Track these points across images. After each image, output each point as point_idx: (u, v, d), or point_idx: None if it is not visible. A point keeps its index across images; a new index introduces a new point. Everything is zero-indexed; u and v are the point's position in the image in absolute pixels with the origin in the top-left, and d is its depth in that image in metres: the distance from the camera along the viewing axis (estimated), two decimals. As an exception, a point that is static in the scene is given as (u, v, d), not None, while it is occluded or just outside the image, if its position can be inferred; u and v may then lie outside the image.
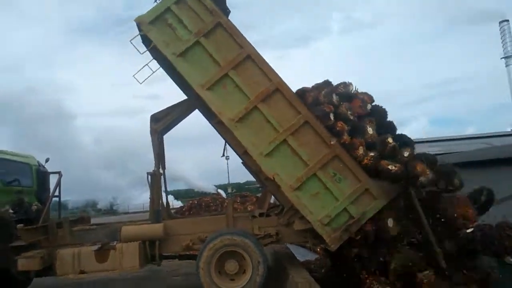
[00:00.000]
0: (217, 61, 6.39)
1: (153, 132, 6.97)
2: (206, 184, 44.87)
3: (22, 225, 6.51)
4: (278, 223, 6.97)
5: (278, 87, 6.40)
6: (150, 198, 7.00)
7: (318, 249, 9.40)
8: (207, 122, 7.52)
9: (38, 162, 8.29)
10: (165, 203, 7.55)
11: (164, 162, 7.65)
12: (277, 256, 8.05)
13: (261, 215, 7.19)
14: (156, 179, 6.98)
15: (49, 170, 8.19)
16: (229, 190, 42.30)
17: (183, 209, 20.49)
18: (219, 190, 40.75)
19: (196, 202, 20.62)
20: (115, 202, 45.92)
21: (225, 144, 7.99)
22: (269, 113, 6.38)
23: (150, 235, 6.67)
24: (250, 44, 6.50)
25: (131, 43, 6.50)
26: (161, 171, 7.27)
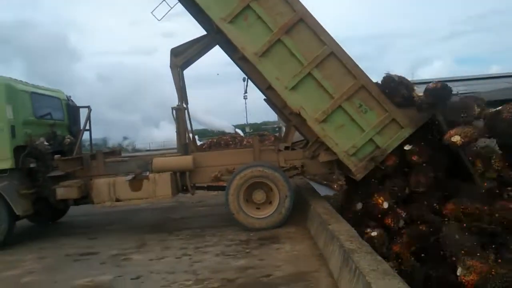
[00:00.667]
0: None
1: (173, 66, 6.95)
2: (224, 123, 45.24)
3: (59, 155, 6.81)
4: (303, 155, 7.11)
5: (302, 17, 6.18)
6: (176, 131, 7.17)
7: (336, 186, 9.68)
8: (227, 59, 7.43)
9: (67, 96, 8.46)
10: (191, 137, 7.73)
11: (187, 97, 7.70)
12: (299, 189, 8.30)
13: (286, 148, 7.33)
14: (180, 114, 7.09)
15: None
16: (247, 130, 42.77)
17: (203, 147, 20.93)
18: (237, 130, 41.23)
19: (215, 141, 20.91)
20: (127, 141, 46.99)
21: (247, 82, 7.97)
22: (293, 45, 6.23)
23: (180, 166, 6.92)
24: (271, -28, 6.18)
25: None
26: (184, 105, 7.34)
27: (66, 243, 6.74)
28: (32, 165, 6.73)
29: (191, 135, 7.76)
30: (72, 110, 8.31)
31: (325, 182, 10.63)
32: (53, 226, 8.37)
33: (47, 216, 8.25)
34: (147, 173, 6.84)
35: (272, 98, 7.04)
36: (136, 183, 6.74)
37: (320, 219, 5.62)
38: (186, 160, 6.90)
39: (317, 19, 6.23)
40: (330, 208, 6.16)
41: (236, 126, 46.33)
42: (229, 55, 7.33)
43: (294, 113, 6.48)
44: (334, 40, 6.27)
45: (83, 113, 8.28)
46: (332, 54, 6.25)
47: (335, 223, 5.23)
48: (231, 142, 19.77)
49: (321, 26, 6.24)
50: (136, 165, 7.18)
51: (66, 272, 5.24)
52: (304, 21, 6.19)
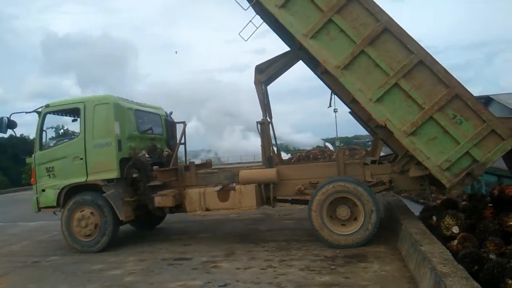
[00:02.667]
0: (319, 7, 6.18)
1: (257, 82, 7.20)
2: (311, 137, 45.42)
3: (157, 166, 7.48)
4: (392, 170, 6.79)
5: (387, 27, 6.00)
6: (261, 145, 7.37)
7: (433, 205, 8.91)
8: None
9: (166, 112, 9.30)
10: (275, 151, 7.88)
11: (271, 112, 7.89)
12: (390, 207, 7.90)
13: (373, 162, 7.07)
14: (265, 128, 7.29)
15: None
16: (337, 144, 42.06)
17: (292, 160, 21.02)
18: (327, 144, 40.77)
19: (304, 155, 20.86)
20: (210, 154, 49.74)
21: (331, 95, 7.90)
22: (377, 56, 6.06)
23: (265, 178, 7.09)
24: (354, -17, 6.14)
25: (236, 1, 6.68)
26: (268, 119, 7.53)
27: (162, 248, 7.31)
28: (135, 175, 7.50)
29: (275, 148, 7.93)
30: (170, 125, 9.09)
31: (421, 201, 9.97)
32: (152, 231, 9.13)
33: (147, 222, 9.04)
34: (234, 185, 7.13)
35: (357, 111, 6.89)
36: (223, 194, 7.07)
37: (412, 240, 5.28)
38: (270, 173, 7.06)
39: (403, 27, 6.00)
40: (423, 228, 5.76)
41: (326, 140, 45.98)
42: (312, 70, 7.39)
43: (380, 126, 6.25)
44: (422, 48, 5.96)
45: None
46: (421, 63, 5.94)
47: (428, 244, 4.86)
48: (319, 156, 19.59)
49: (408, 34, 5.99)
50: (225, 176, 7.55)
51: (161, 275, 5.69)
52: (389, 30, 6.00)
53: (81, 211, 7.37)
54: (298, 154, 22.39)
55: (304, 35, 6.29)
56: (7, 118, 7.54)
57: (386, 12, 6.03)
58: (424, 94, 5.96)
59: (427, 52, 5.94)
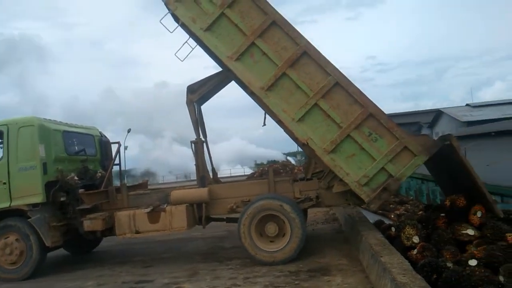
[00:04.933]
0: (242, 30, 6.43)
1: (189, 102, 7.27)
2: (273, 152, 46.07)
3: (83, 190, 7.31)
4: (319, 186, 7.04)
5: (306, 50, 6.32)
6: (195, 164, 7.41)
7: (392, 216, 9.26)
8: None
9: (100, 132, 9.11)
10: (211, 170, 7.96)
11: (205, 131, 7.98)
12: (350, 219, 8.06)
13: (302, 179, 7.29)
14: (198, 147, 7.35)
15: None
16: (298, 157, 42.86)
17: (254, 175, 21.09)
18: (289, 158, 41.45)
19: (266, 169, 21.01)
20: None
21: (265, 114, 8.09)
22: (298, 78, 6.35)
23: (196, 198, 7.10)
24: (275, 9, 6.43)
25: (161, 23, 6.77)
26: (203, 139, 7.61)
27: (123, 270, 7.15)
28: (62, 199, 7.27)
29: (210, 167, 7.99)
30: (104, 145, 8.91)
31: (380, 211, 10.12)
32: (111, 253, 8.89)
33: (81, 246, 8.76)
34: (165, 206, 7.09)
35: (284, 130, 7.12)
36: (154, 215, 7.01)
37: (372, 251, 5.38)
38: (201, 192, 7.10)
39: (320, 51, 6.34)
40: (382, 239, 5.90)
41: (288, 154, 46.71)
42: (243, 90, 7.56)
43: (304, 144, 6.50)
44: (338, 71, 6.31)
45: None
46: (338, 84, 6.28)
47: (388, 255, 4.98)
48: (282, 170, 19.75)
49: (325, 58, 6.33)
50: (157, 197, 7.49)
51: None
52: (308, 54, 6.32)
53: (5, 238, 7.06)
54: (261, 168, 22.48)
55: (229, 58, 6.48)
56: None
57: (304, 37, 6.35)
58: (341, 114, 6.29)
59: (343, 75, 6.30)
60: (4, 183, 7.06)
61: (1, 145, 7.35)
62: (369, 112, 6.22)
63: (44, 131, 7.26)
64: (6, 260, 7.03)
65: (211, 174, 7.91)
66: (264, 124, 8.07)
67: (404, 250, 5.64)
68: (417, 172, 10.38)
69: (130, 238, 7.23)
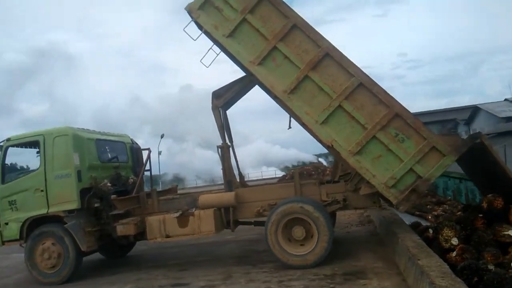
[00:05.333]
0: (264, 35, 6.47)
1: (214, 107, 7.38)
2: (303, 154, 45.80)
3: (115, 196, 7.54)
4: (345, 188, 6.96)
5: (328, 52, 6.29)
6: (222, 169, 7.51)
7: (429, 217, 9.01)
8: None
9: (131, 140, 9.40)
10: (237, 174, 8.04)
11: (231, 135, 8.08)
12: (385, 221, 7.91)
13: (328, 181, 7.23)
14: (224, 152, 7.44)
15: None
16: (330, 159, 42.37)
17: (286, 178, 21.03)
18: (320, 159, 41.05)
19: (298, 171, 20.84)
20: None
21: (290, 117, 8.10)
22: (320, 80, 6.32)
23: (223, 202, 7.20)
24: (296, 13, 6.45)
25: (185, 31, 6.92)
26: (228, 143, 7.70)
27: (159, 274, 7.32)
28: (96, 205, 7.56)
29: (237, 171, 8.07)
30: (135, 152, 9.18)
31: (417, 213, 9.92)
32: (147, 257, 9.15)
33: (115, 250, 9.06)
34: (193, 210, 7.22)
35: (309, 133, 7.09)
36: (183, 220, 7.15)
37: (409, 254, 5.25)
38: (228, 196, 7.18)
39: (342, 52, 6.28)
40: (419, 242, 5.74)
41: (319, 156, 46.32)
42: (267, 94, 7.61)
43: (328, 146, 6.46)
44: (362, 71, 6.24)
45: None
46: (361, 85, 6.20)
47: (425, 258, 4.85)
48: (313, 172, 19.60)
49: (347, 59, 6.27)
50: (186, 202, 7.64)
51: None
52: (330, 55, 6.28)
53: (43, 243, 7.41)
54: (292, 171, 22.44)
55: (251, 63, 6.55)
56: None
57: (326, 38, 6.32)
58: (366, 115, 6.21)
59: (367, 75, 6.22)
60: (42, 191, 7.42)
61: (39, 154, 7.73)
62: (395, 112, 6.10)
63: (78, 140, 7.58)
64: (45, 264, 7.37)
65: (237, 178, 7.99)
66: (290, 127, 8.07)
67: (443, 253, 5.47)
68: (455, 171, 10.06)
69: (161, 242, 7.41)
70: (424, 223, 8.06)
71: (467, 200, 10.42)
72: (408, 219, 8.23)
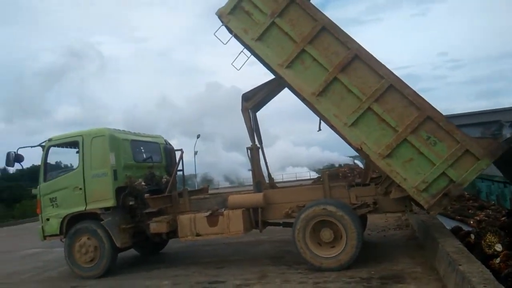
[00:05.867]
0: (293, 38, 6.51)
1: (244, 109, 7.49)
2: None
3: (148, 194, 7.78)
4: (376, 192, 6.86)
5: (357, 54, 6.24)
6: (251, 170, 7.61)
7: (471, 222, 8.74)
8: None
9: (165, 140, 9.70)
10: (267, 175, 8.12)
11: (260, 137, 8.16)
12: (425, 225, 7.73)
13: (358, 184, 7.16)
14: (254, 153, 7.53)
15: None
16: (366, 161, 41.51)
17: (320, 179, 20.74)
18: (356, 161, 40.29)
19: (332, 173, 20.63)
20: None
21: (320, 120, 8.07)
22: (349, 82, 6.28)
23: (252, 203, 7.28)
24: (324, 15, 6.43)
25: (215, 35, 7.06)
26: (258, 145, 7.79)
27: (196, 271, 7.48)
28: (131, 203, 7.86)
29: (266, 172, 8.14)
30: (169, 152, 9.46)
31: (458, 217, 9.47)
32: (184, 254, 9.40)
33: (149, 247, 9.36)
34: (223, 210, 7.35)
35: (338, 135, 7.05)
36: (213, 219, 7.29)
37: (450, 259, 5.10)
38: (257, 197, 7.26)
39: (377, 53, 6.21)
40: (460, 247, 5.55)
41: (355, 157, 45.50)
42: (296, 96, 7.63)
43: (357, 149, 6.40)
44: (392, 73, 6.14)
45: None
46: (392, 87, 6.11)
47: (467, 263, 4.68)
48: (349, 174, 19.34)
49: (377, 60, 6.19)
50: (216, 202, 7.79)
51: None
52: (359, 57, 6.23)
53: (81, 239, 7.78)
54: (327, 172, 22.17)
55: (279, 65, 6.60)
56: (14, 152, 8.14)
57: (355, 40, 6.27)
58: (396, 117, 6.10)
59: (397, 77, 6.12)
60: (80, 189, 7.81)
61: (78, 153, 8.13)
62: (426, 115, 5.96)
63: (114, 141, 7.91)
64: (83, 259, 7.74)
65: (267, 179, 8.06)
66: (320, 129, 8.06)
67: (485, 259, 5.25)
68: (499, 175, 9.63)
69: (192, 240, 7.59)
70: (465, 228, 7.74)
71: (512, 205, 9.96)
72: (449, 224, 7.92)
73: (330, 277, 6.07)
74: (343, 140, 7.12)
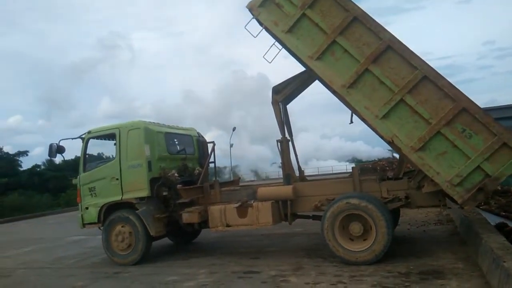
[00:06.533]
0: (323, 29, 6.45)
1: (274, 102, 7.51)
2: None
3: (180, 185, 7.99)
4: (408, 186, 6.73)
5: (390, 44, 6.10)
6: (281, 163, 7.65)
7: None
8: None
9: (198, 133, 9.92)
10: (297, 168, 8.14)
11: (291, 130, 8.17)
12: (467, 220, 7.54)
13: (390, 178, 7.04)
14: (284, 146, 7.56)
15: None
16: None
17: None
18: (395, 154, 39.52)
19: (370, 166, 20.37)
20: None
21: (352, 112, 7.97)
22: (381, 73, 6.16)
23: (281, 195, 7.34)
24: (356, 5, 6.33)
25: (246, 29, 7.12)
26: (288, 138, 7.79)
27: (232, 260, 7.59)
28: (164, 194, 8.12)
29: (296, 165, 8.16)
30: (201, 145, 9.67)
31: (503, 213, 9.16)
32: (220, 244, 9.61)
33: (183, 236, 9.65)
34: (252, 201, 7.45)
35: (370, 128, 6.94)
36: (242, 211, 7.41)
37: (494, 255, 4.93)
38: (286, 190, 7.30)
39: (406, 44, 6.06)
40: (506, 243, 5.39)
41: (394, 151, 44.54)
42: (327, 88, 7.57)
43: (389, 142, 6.29)
44: (426, 64, 5.97)
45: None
46: (426, 78, 5.94)
47: None
48: (387, 168, 19.04)
49: (411, 51, 6.03)
50: (246, 193, 7.90)
51: None
52: (392, 48, 6.09)
53: (118, 227, 8.13)
54: (365, 165, 21.91)
55: (309, 57, 6.57)
56: (56, 144, 8.58)
57: (388, 30, 6.14)
58: (430, 109, 5.94)
59: (431, 67, 5.94)
60: (117, 179, 8.13)
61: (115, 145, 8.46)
62: (461, 107, 5.77)
63: (149, 133, 8.17)
64: (118, 246, 8.09)
65: (297, 172, 8.07)
66: (351, 122, 7.95)
67: None
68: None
69: (222, 231, 7.74)
70: (511, 224, 7.42)
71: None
72: (493, 220, 7.66)
73: (366, 271, 5.99)
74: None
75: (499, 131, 5.59)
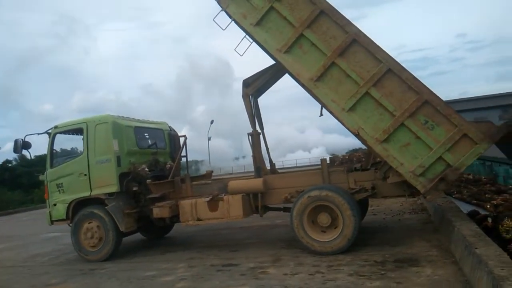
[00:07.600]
0: (291, 23, 6.48)
1: (245, 95, 7.53)
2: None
3: (150, 180, 7.92)
4: (374, 176, 6.89)
5: (355, 38, 6.19)
6: (252, 156, 7.69)
7: (488, 206, 8.67)
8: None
9: (169, 127, 9.80)
10: (268, 161, 8.22)
11: (262, 123, 8.21)
12: (441, 209, 7.72)
13: (356, 169, 7.18)
14: (254, 139, 7.60)
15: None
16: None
17: (335, 164, 20.78)
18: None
19: (347, 157, 20.61)
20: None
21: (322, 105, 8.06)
22: (347, 66, 6.25)
23: (251, 188, 7.38)
24: (323, -2, 6.38)
25: (214, 21, 7.07)
26: (259, 131, 7.85)
27: (211, 254, 7.57)
28: (134, 189, 8.02)
29: (268, 158, 8.21)
30: (173, 139, 9.57)
31: (474, 201, 9.38)
32: (199, 238, 9.55)
33: (155, 231, 9.58)
34: (223, 195, 7.46)
35: (337, 120, 7.04)
36: (213, 204, 7.42)
37: (466, 242, 5.07)
38: (256, 183, 7.35)
39: (371, 37, 6.15)
40: (477, 230, 5.54)
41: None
42: (296, 82, 7.62)
43: (355, 134, 6.40)
44: (391, 57, 6.10)
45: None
46: (390, 71, 6.07)
47: (484, 247, 4.67)
48: (363, 158, 19.23)
49: (376, 45, 6.14)
50: (217, 187, 7.91)
51: (211, 281, 5.84)
52: (358, 41, 6.19)
53: (86, 223, 7.99)
54: (341, 157, 22.12)
55: (278, 50, 6.60)
56: (22, 139, 8.34)
57: (354, 24, 6.22)
58: (394, 102, 6.08)
59: (396, 61, 6.08)
60: (85, 175, 7.98)
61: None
62: (424, 99, 5.93)
63: (117, 128, 8.04)
64: (88, 243, 7.96)
65: (268, 165, 8.13)
66: (321, 115, 8.06)
67: (504, 244, 5.20)
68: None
69: (193, 225, 7.72)
70: (482, 212, 7.62)
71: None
72: (465, 208, 7.88)
73: (344, 260, 6.09)
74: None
75: (460, 123, 5.78)
